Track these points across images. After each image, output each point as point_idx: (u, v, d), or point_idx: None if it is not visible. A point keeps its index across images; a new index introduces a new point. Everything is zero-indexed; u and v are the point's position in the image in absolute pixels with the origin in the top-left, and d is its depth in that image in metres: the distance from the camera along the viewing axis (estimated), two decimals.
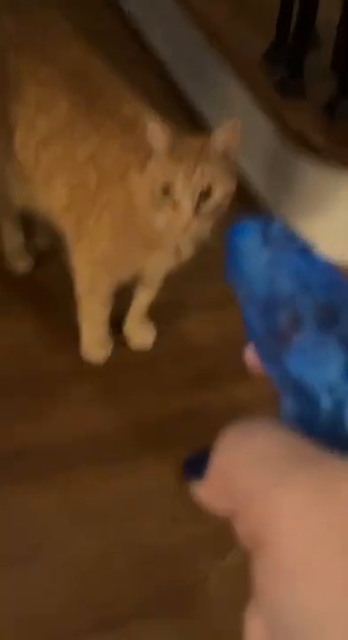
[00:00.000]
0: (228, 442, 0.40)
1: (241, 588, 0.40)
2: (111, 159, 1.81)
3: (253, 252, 0.44)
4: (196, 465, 0.41)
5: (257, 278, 0.44)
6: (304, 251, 0.44)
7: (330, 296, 0.42)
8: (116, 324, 2.05)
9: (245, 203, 2.25)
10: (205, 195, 1.65)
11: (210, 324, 2.06)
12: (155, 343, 2.05)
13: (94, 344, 2.02)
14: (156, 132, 1.66)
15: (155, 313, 2.05)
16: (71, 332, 2.02)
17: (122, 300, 2.00)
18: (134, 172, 1.72)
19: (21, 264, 2.18)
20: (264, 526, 0.37)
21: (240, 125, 1.67)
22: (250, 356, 0.44)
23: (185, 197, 1.64)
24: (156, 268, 1.88)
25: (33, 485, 1.78)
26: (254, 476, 0.38)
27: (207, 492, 0.41)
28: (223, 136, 1.67)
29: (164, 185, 1.65)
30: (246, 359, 0.44)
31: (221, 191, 1.67)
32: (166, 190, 1.65)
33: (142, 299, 2.03)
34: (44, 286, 2.15)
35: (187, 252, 1.82)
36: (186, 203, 1.64)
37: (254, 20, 2.39)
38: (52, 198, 1.91)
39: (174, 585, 1.67)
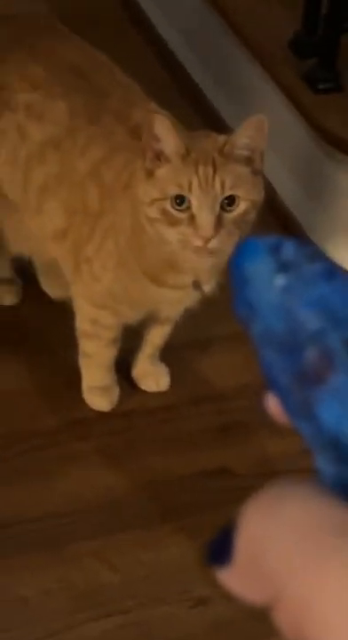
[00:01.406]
0: (253, 515, 0.39)
1: None
2: (115, 172, 1.79)
3: (265, 278, 0.43)
4: (221, 546, 0.40)
5: (272, 311, 0.42)
6: (329, 273, 0.42)
7: None
8: (126, 363, 2.04)
9: (272, 221, 2.25)
10: (227, 206, 1.63)
11: (235, 365, 2.05)
12: (171, 390, 2.04)
13: (96, 389, 2.00)
14: (166, 129, 1.64)
15: (170, 354, 2.05)
16: (72, 376, 2.01)
17: (133, 335, 1.99)
18: (140, 179, 1.69)
19: (8, 296, 2.15)
20: (307, 617, 0.36)
21: (266, 123, 1.64)
22: (273, 405, 0.42)
23: (204, 209, 1.62)
24: (172, 307, 1.87)
25: (23, 563, 1.77)
26: (288, 554, 0.37)
27: (235, 578, 0.40)
28: (246, 136, 1.65)
29: (178, 195, 1.63)
30: (268, 409, 0.43)
31: (246, 201, 1.65)
32: (180, 201, 1.63)
33: (155, 337, 2.00)
34: (37, 322, 2.14)
35: (209, 284, 1.79)
36: (205, 216, 1.61)
37: (278, 2, 2.39)
38: (44, 225, 1.90)
39: None
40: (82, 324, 1.92)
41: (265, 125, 1.65)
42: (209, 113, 2.50)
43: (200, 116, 2.50)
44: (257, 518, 0.39)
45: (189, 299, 1.83)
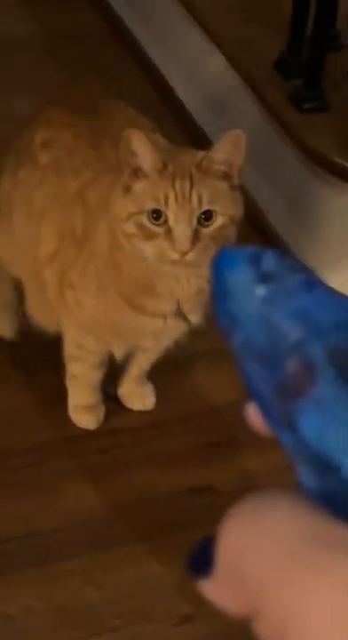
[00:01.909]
0: (234, 525, 0.39)
1: None
2: (99, 194, 1.80)
3: (245, 289, 0.42)
4: (202, 557, 0.40)
5: (253, 322, 0.42)
6: (309, 284, 0.42)
7: (346, 337, 0.40)
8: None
9: (259, 241, 2.25)
10: (205, 220, 1.64)
11: (220, 383, 2.05)
12: (157, 407, 2.04)
13: (82, 408, 2.00)
14: (143, 145, 1.64)
15: (155, 372, 2.04)
16: (61, 396, 2.01)
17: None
18: (117, 195, 1.69)
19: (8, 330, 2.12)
20: (289, 629, 0.36)
21: (244, 138, 1.65)
22: (255, 416, 0.42)
23: (180, 223, 1.62)
24: (156, 340, 1.86)
25: (7, 580, 1.77)
26: (269, 565, 0.37)
27: (216, 589, 0.40)
28: (224, 151, 1.66)
29: (155, 210, 1.63)
30: (249, 420, 0.43)
31: (224, 216, 1.65)
32: (156, 216, 1.63)
33: (142, 362, 2.00)
34: (30, 345, 2.13)
35: (194, 315, 1.78)
36: (182, 230, 1.62)
37: (263, 22, 2.39)
38: (39, 247, 1.90)
39: None
40: (68, 347, 1.92)
41: (243, 140, 1.65)
42: (195, 132, 2.50)
43: (187, 134, 2.50)
44: (238, 529, 0.39)
45: (174, 330, 1.83)
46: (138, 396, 2.04)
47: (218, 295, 0.43)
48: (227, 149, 1.65)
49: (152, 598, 1.76)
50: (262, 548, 0.38)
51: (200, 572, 0.40)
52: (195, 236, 1.62)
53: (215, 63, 2.42)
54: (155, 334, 1.83)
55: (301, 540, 0.38)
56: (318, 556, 0.37)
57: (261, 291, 0.42)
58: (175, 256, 1.63)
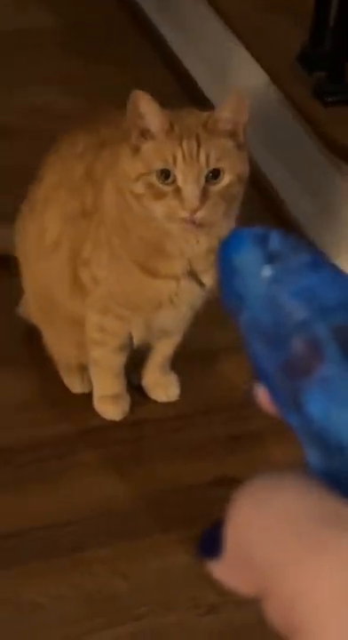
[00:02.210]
0: (242, 506, 0.39)
1: None
2: (103, 164, 1.82)
3: (252, 269, 0.43)
4: (212, 539, 0.40)
5: (259, 301, 0.42)
6: (315, 263, 0.42)
7: None
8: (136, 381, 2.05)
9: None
10: (212, 178, 1.67)
11: (244, 375, 2.04)
12: (181, 399, 2.04)
13: (107, 398, 2.00)
14: (150, 106, 1.67)
15: (179, 364, 2.05)
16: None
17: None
18: (125, 156, 1.72)
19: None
20: (297, 608, 0.37)
21: (247, 97, 1.69)
22: (263, 395, 0.42)
23: (189, 182, 1.65)
24: (173, 304, 1.85)
25: (35, 570, 1.77)
26: (276, 545, 0.38)
27: (226, 570, 0.40)
28: (229, 110, 1.69)
29: (163, 169, 1.66)
30: (258, 400, 0.43)
31: (231, 174, 1.69)
32: (166, 175, 1.66)
33: (165, 348, 1.99)
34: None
35: (207, 275, 1.79)
36: (190, 188, 1.65)
37: (284, 13, 2.39)
38: (44, 236, 1.92)
39: None
40: (90, 332, 1.92)
41: (246, 99, 1.70)
42: None
43: None
44: (246, 510, 0.39)
45: (188, 294, 1.83)
46: (162, 386, 2.04)
47: (225, 275, 0.43)
48: (231, 108, 1.69)
49: (176, 588, 1.76)
50: (269, 529, 0.38)
51: (210, 555, 0.40)
52: (204, 194, 1.65)
53: (236, 53, 2.41)
54: (170, 299, 1.82)
55: (308, 519, 0.38)
56: (324, 536, 0.37)
57: (267, 271, 0.42)
58: (184, 214, 1.65)
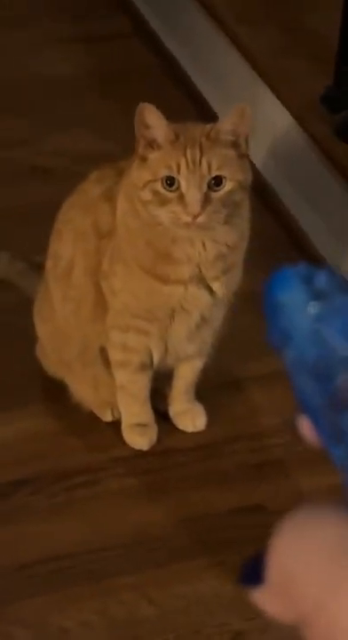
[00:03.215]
0: (285, 538, 0.38)
1: None
2: (121, 184, 1.84)
3: (299, 306, 0.42)
4: (254, 568, 0.39)
5: (305, 338, 0.41)
6: None
7: None
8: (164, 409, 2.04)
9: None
10: (214, 185, 1.70)
11: (269, 405, 2.04)
12: (208, 428, 2.03)
13: (135, 427, 1.99)
14: (156, 117, 1.72)
15: (205, 394, 2.04)
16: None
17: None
18: (134, 166, 1.76)
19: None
20: (339, 636, 0.36)
21: (249, 110, 1.73)
22: (306, 428, 0.41)
23: (191, 189, 1.68)
24: (184, 311, 1.85)
25: (64, 596, 1.76)
26: (317, 576, 0.37)
27: (268, 599, 0.39)
28: (231, 122, 1.73)
29: (168, 177, 1.69)
30: (301, 432, 0.41)
31: (232, 181, 1.72)
32: (171, 182, 1.69)
33: (186, 373, 1.99)
34: None
35: (217, 282, 1.81)
36: (193, 194, 1.68)
37: (309, 56, 2.39)
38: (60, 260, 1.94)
39: None
40: (113, 354, 1.93)
41: (248, 112, 1.74)
42: None
43: None
44: (289, 541, 0.38)
45: (198, 301, 1.83)
46: (188, 416, 2.03)
47: (271, 312, 0.43)
48: (234, 120, 1.73)
49: (204, 614, 1.74)
50: (311, 560, 0.37)
51: (252, 584, 0.39)
52: (206, 200, 1.69)
53: (264, 96, 2.42)
54: (181, 305, 1.83)
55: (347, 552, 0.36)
56: None
57: (313, 309, 0.41)
58: (187, 219, 1.69)
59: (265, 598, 0.39)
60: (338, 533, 0.38)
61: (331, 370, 0.40)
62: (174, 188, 1.70)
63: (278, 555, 0.38)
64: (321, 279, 0.42)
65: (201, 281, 1.81)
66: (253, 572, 0.39)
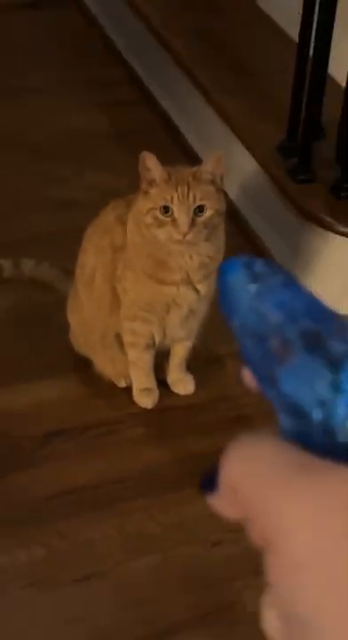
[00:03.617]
0: (233, 455, 0.39)
1: None
2: (130, 213, 1.83)
3: (242, 286, 0.42)
4: (210, 478, 0.40)
5: (247, 310, 0.42)
6: (288, 283, 0.42)
7: (314, 322, 0.40)
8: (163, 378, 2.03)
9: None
10: (198, 212, 1.70)
11: (240, 372, 2.04)
12: (195, 393, 2.03)
13: (142, 391, 1.98)
14: (154, 163, 1.72)
15: (193, 367, 2.03)
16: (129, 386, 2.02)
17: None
18: (140, 198, 1.76)
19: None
20: (273, 529, 0.36)
21: (223, 156, 1.74)
22: (249, 377, 0.42)
23: (181, 214, 1.68)
24: (177, 305, 1.84)
25: (92, 517, 1.76)
26: (259, 485, 0.37)
27: (220, 503, 0.39)
28: (210, 166, 1.72)
29: (164, 206, 1.69)
30: (244, 380, 0.42)
31: (212, 209, 1.71)
32: (166, 210, 1.69)
33: (180, 351, 1.98)
34: None
35: (201, 284, 1.80)
36: (182, 219, 1.68)
37: (269, 118, 2.38)
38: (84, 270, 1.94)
39: (217, 601, 1.65)
40: (126, 337, 1.92)
41: (223, 158, 1.74)
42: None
43: None
44: (235, 458, 0.39)
45: (188, 297, 1.83)
46: (181, 383, 2.02)
47: (223, 290, 0.43)
48: (212, 164, 1.73)
49: (194, 529, 1.74)
50: (251, 471, 0.38)
51: (208, 490, 0.40)
52: (192, 223, 1.69)
53: (236, 147, 2.41)
54: (174, 301, 1.83)
55: (280, 465, 0.37)
56: (291, 477, 0.37)
57: (253, 288, 0.42)
58: (178, 237, 1.69)
59: (218, 502, 0.40)
60: (273, 451, 0.37)
61: (266, 333, 0.40)
62: (169, 214, 1.69)
63: (227, 468, 0.39)
64: (259, 265, 0.43)
65: (189, 283, 1.81)
66: (209, 482, 0.39)
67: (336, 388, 0.37)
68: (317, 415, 0.38)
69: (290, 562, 0.35)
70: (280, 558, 0.36)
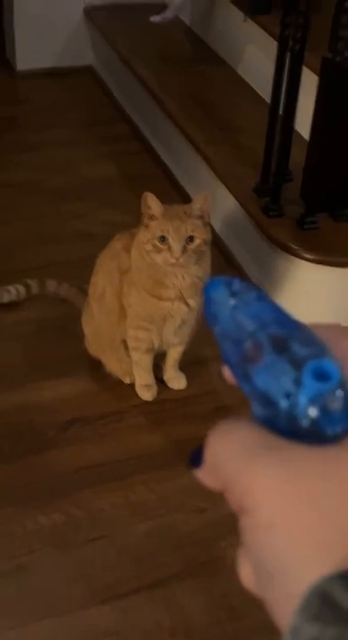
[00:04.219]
0: (214, 437, 0.39)
1: None
2: (133, 245, 1.83)
3: (223, 300, 0.42)
4: (196, 457, 0.40)
5: (227, 320, 0.42)
6: (260, 298, 0.42)
7: (281, 329, 0.40)
8: (160, 376, 2.02)
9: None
10: (189, 241, 1.70)
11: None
12: (187, 388, 2.02)
13: (144, 387, 1.98)
14: (154, 201, 1.72)
15: (185, 367, 2.03)
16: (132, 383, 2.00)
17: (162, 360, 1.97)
18: (141, 230, 1.76)
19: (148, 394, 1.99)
20: (245, 497, 0.36)
21: (209, 197, 1.75)
22: (228, 374, 0.42)
23: (176, 243, 1.69)
24: (172, 318, 1.84)
25: (101, 489, 1.76)
26: (233, 461, 0.37)
27: (204, 476, 0.39)
28: (198, 204, 1.73)
29: (161, 236, 1.70)
30: (225, 376, 0.42)
31: (199, 239, 1.72)
32: (163, 239, 1.70)
33: (174, 354, 1.98)
34: None
35: (192, 299, 1.79)
36: (176, 246, 1.69)
37: (246, 164, 2.38)
38: (96, 290, 1.93)
39: (203, 557, 1.64)
40: (130, 343, 1.91)
41: (208, 198, 1.75)
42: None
43: None
44: (216, 440, 0.39)
45: (181, 311, 1.82)
46: (175, 380, 2.02)
47: (207, 303, 0.43)
48: (200, 202, 1.74)
49: (184, 498, 1.74)
50: (229, 451, 0.38)
51: (195, 466, 0.39)
52: (184, 250, 1.70)
53: (219, 189, 2.42)
54: (170, 314, 1.82)
55: (252, 445, 0.37)
56: (260, 454, 0.37)
57: (231, 301, 0.42)
58: (173, 260, 1.70)
59: (203, 475, 0.40)
60: (247, 434, 0.37)
61: (242, 338, 0.40)
62: (165, 242, 1.69)
63: (210, 449, 0.39)
64: (236, 284, 0.43)
65: (182, 299, 1.80)
66: (196, 459, 0.39)
67: (298, 383, 0.38)
68: (283, 404, 0.38)
69: (261, 523, 0.35)
70: (252, 520, 0.36)
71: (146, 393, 1.97)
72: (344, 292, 2.18)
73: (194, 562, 1.62)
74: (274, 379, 0.38)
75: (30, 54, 3.30)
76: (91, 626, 1.50)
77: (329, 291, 2.19)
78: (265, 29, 2.55)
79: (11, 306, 2.18)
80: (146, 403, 1.97)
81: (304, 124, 2.19)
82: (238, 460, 0.36)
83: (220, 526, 1.66)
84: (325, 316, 2.10)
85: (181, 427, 1.91)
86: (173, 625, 1.51)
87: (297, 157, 2.18)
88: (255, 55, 2.76)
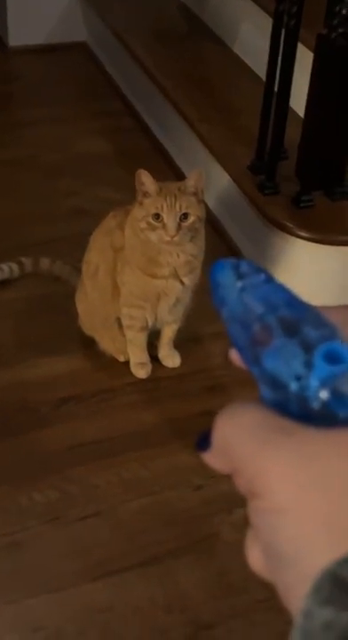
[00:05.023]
0: (222, 420, 0.38)
1: (245, 534, 0.37)
2: (127, 223, 1.81)
3: (230, 283, 0.41)
4: (205, 438, 0.39)
5: (234, 302, 0.40)
6: (268, 280, 0.41)
7: (291, 312, 0.39)
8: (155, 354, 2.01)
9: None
10: (183, 218, 1.68)
11: (219, 351, 2.03)
12: (181, 366, 2.01)
13: (138, 364, 1.96)
14: (147, 178, 1.70)
15: (179, 345, 2.01)
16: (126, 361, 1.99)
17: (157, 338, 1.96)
18: (135, 208, 1.74)
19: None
20: (256, 480, 0.35)
21: (203, 173, 1.72)
22: (235, 357, 0.41)
23: (170, 220, 1.67)
24: (166, 296, 1.82)
25: (95, 466, 1.75)
26: (245, 445, 0.36)
27: (212, 459, 0.38)
28: (192, 181, 1.71)
29: (156, 213, 1.68)
30: (232, 360, 0.41)
31: (194, 216, 1.70)
32: (157, 217, 1.68)
33: (168, 332, 1.96)
34: None
35: (186, 278, 1.78)
36: (171, 224, 1.67)
37: (241, 142, 2.35)
38: (89, 267, 1.91)
39: (198, 533, 1.64)
40: (124, 321, 1.90)
41: (203, 174, 1.73)
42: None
43: None
44: (225, 422, 0.38)
45: (175, 289, 1.81)
46: (169, 358, 2.00)
47: (214, 286, 0.42)
48: (194, 179, 1.72)
49: (179, 475, 1.73)
50: (238, 433, 0.37)
51: (203, 449, 0.38)
52: (178, 227, 1.69)
53: (214, 166, 2.39)
54: (164, 292, 1.81)
55: (263, 428, 0.36)
56: (271, 437, 0.36)
57: (239, 284, 0.41)
58: (167, 238, 1.69)
59: (211, 459, 0.39)
60: (256, 417, 0.36)
61: (251, 322, 0.39)
62: (159, 220, 1.68)
63: (218, 431, 0.38)
64: (244, 266, 0.42)
65: (176, 277, 1.79)
66: (204, 442, 0.38)
67: (308, 365, 0.36)
68: (294, 387, 0.36)
69: (273, 507, 0.34)
70: (264, 504, 0.35)
71: (141, 371, 1.96)
72: (340, 271, 2.17)
73: (189, 539, 1.62)
74: (285, 362, 0.37)
75: (23, 30, 3.25)
76: (86, 602, 1.50)
77: (325, 269, 2.17)
78: (260, 5, 2.51)
79: (5, 284, 2.15)
80: (141, 380, 1.96)
81: (299, 101, 2.16)
82: (248, 444, 0.35)
83: (215, 503, 1.65)
84: (320, 295, 2.07)
85: (175, 404, 1.90)
86: (168, 601, 1.51)
87: (293, 135, 2.15)
88: (250, 32, 2.72)
